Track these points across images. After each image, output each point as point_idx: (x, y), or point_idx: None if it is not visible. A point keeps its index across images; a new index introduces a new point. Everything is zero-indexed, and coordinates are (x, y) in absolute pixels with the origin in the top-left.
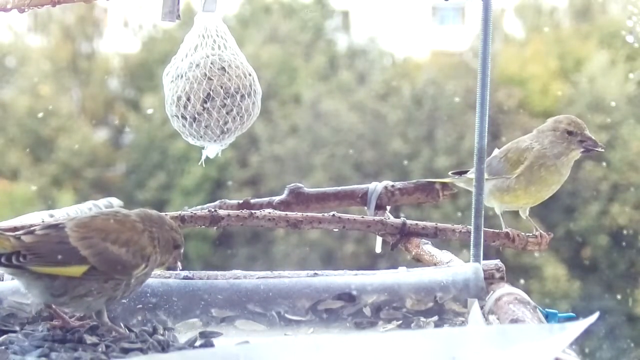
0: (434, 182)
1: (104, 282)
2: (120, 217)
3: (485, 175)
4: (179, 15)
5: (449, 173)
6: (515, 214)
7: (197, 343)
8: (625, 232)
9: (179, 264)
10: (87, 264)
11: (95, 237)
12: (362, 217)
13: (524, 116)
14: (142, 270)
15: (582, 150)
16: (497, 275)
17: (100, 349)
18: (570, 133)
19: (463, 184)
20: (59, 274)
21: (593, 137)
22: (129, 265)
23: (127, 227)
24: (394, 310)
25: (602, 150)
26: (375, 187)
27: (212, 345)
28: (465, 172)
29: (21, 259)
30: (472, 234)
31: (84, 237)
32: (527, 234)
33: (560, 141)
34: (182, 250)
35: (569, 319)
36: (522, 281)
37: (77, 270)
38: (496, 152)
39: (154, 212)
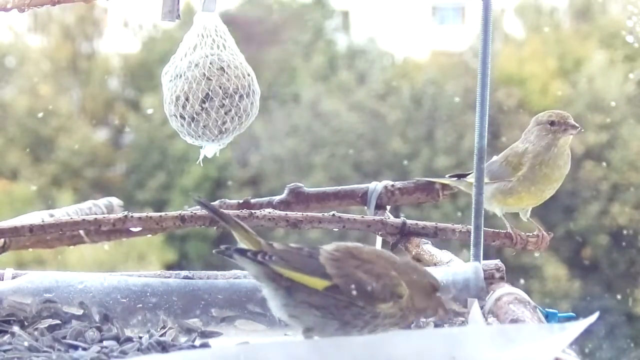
0: (434, 182)
1: (345, 307)
2: (383, 254)
3: (486, 180)
4: (178, 15)
5: (446, 176)
6: (515, 214)
7: (197, 343)
8: (625, 232)
9: (443, 312)
10: (330, 281)
11: (345, 262)
12: (362, 216)
13: (524, 116)
14: (390, 308)
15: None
16: (497, 275)
17: (100, 349)
18: (552, 123)
19: (463, 188)
20: (300, 281)
21: (577, 125)
22: (376, 294)
23: (382, 263)
24: None
25: (579, 129)
26: (375, 186)
27: (211, 345)
28: (463, 175)
29: (266, 257)
30: (472, 234)
31: (334, 258)
32: (528, 234)
33: (545, 133)
34: (442, 299)
35: (569, 319)
36: (522, 281)
37: (319, 282)
38: (494, 158)
39: (414, 263)
